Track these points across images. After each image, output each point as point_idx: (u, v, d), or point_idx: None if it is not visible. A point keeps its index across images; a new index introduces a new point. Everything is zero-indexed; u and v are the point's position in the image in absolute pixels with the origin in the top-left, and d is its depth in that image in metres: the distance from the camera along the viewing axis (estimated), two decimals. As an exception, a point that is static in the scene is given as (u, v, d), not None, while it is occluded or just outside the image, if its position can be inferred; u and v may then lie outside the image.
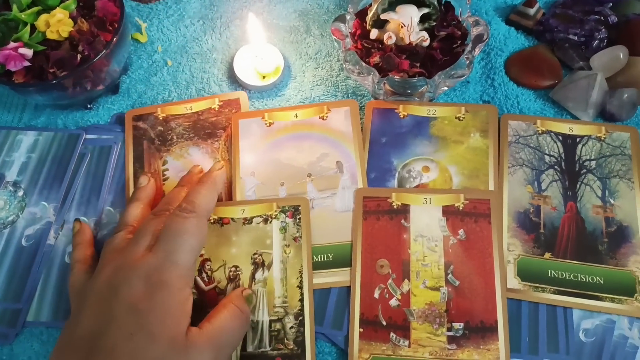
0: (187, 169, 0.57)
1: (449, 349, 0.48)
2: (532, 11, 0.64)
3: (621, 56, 0.58)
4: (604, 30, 0.61)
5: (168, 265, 0.44)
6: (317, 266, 0.52)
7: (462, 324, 0.49)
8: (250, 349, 0.49)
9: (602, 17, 0.61)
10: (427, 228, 0.52)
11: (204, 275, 0.52)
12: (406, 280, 0.51)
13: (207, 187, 0.51)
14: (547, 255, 0.51)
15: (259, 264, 0.52)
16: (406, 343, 0.48)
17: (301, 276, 0.51)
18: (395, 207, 0.54)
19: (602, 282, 0.50)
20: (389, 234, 0.53)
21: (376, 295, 0.50)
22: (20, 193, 0.58)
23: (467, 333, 0.48)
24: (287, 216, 0.54)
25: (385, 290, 0.51)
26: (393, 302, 0.50)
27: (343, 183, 0.55)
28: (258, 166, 0.57)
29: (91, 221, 0.57)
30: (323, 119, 0.59)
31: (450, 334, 0.48)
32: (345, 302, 0.51)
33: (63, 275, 0.54)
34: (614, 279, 0.50)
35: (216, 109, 0.61)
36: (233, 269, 0.52)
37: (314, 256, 0.52)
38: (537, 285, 0.50)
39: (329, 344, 0.50)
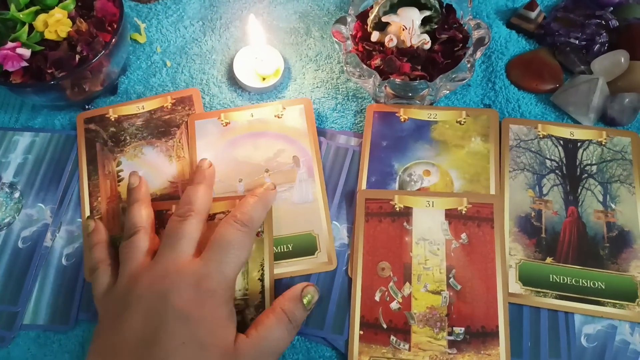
0: (142, 169, 0.57)
1: (449, 353, 0.48)
2: (533, 15, 0.63)
3: (622, 61, 0.58)
4: (605, 34, 0.61)
5: (217, 275, 0.44)
6: (277, 257, 0.53)
7: (463, 329, 0.48)
8: None
9: (603, 21, 0.61)
10: (429, 231, 0.52)
11: None
12: (407, 284, 0.50)
13: (262, 203, 0.51)
14: (549, 260, 0.51)
15: None
16: (406, 346, 0.48)
17: (262, 269, 0.51)
18: (397, 209, 0.53)
19: (603, 287, 0.49)
20: (390, 236, 0.52)
21: (377, 298, 0.50)
22: (17, 194, 0.58)
23: (467, 338, 0.48)
24: None
25: (386, 293, 0.50)
26: (394, 305, 0.50)
27: (300, 176, 0.56)
28: (216, 164, 0.57)
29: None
30: (278, 117, 0.60)
31: (451, 338, 0.48)
32: (346, 306, 0.50)
33: (60, 278, 0.53)
34: (615, 284, 0.50)
35: (169, 107, 0.61)
36: None
37: (274, 247, 0.53)
38: (539, 290, 0.50)
39: (330, 348, 0.50)
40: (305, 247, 0.53)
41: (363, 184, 0.55)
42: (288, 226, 0.54)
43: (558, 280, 0.50)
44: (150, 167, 0.58)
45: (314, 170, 0.57)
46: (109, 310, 0.46)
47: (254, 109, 0.60)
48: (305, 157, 0.57)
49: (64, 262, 0.54)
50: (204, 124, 0.60)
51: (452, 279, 0.50)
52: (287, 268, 0.52)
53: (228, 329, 0.44)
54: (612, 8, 0.62)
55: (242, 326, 0.46)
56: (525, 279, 0.50)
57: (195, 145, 0.59)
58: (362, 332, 0.49)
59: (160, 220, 0.54)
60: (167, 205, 0.55)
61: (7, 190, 0.58)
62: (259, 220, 0.50)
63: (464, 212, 0.53)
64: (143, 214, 0.51)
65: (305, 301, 0.47)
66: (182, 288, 0.43)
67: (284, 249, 0.53)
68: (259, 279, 0.51)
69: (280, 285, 0.52)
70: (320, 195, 0.55)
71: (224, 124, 0.60)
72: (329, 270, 0.52)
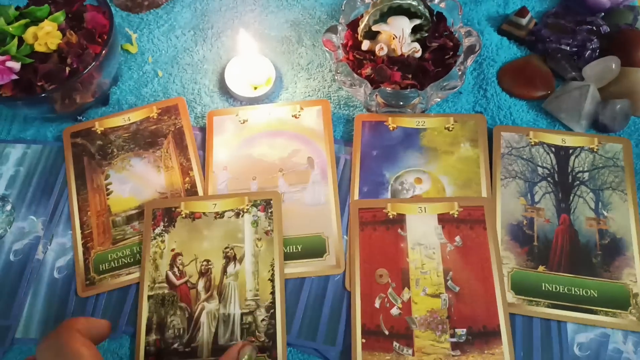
0: (130, 181, 0.58)
1: (453, 356, 0.47)
2: (524, 21, 0.63)
3: (613, 66, 0.58)
4: (596, 40, 0.60)
5: None
6: (286, 257, 0.53)
7: (464, 330, 0.48)
8: (222, 342, 0.49)
9: (594, 27, 0.61)
10: (423, 236, 0.52)
11: (175, 269, 0.53)
12: (406, 289, 0.50)
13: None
14: (541, 268, 0.51)
15: (230, 258, 0.53)
16: (410, 351, 0.48)
17: (273, 269, 0.52)
18: (391, 217, 0.53)
19: (596, 295, 0.49)
20: (386, 243, 0.52)
21: (377, 305, 0.50)
22: (9, 207, 0.58)
23: (470, 339, 0.48)
24: (259, 210, 0.54)
25: (386, 299, 0.50)
26: (394, 311, 0.50)
27: (313, 178, 0.56)
28: (231, 161, 0.58)
29: (80, 236, 0.56)
30: (296, 117, 0.60)
31: (454, 340, 0.48)
32: (338, 317, 0.50)
33: (52, 291, 0.53)
34: (608, 292, 0.49)
35: (155, 117, 0.61)
36: (205, 263, 0.53)
37: (284, 247, 0.53)
38: (531, 298, 0.50)
39: (322, 360, 0.50)
40: (315, 249, 0.53)
41: (355, 194, 0.55)
42: (298, 227, 0.54)
43: (550, 289, 0.50)
44: (138, 179, 0.58)
45: (327, 172, 0.57)
46: None
47: (272, 108, 0.61)
48: (319, 158, 0.57)
49: (55, 274, 0.54)
50: (222, 120, 0.60)
51: (450, 281, 0.50)
52: (295, 269, 0.53)
53: None
54: (603, 14, 0.62)
55: (253, 327, 0.48)
56: (518, 288, 0.50)
57: (212, 140, 0.59)
58: (364, 340, 0.49)
59: (170, 217, 0.55)
60: (175, 202, 0.56)
61: (-2, 202, 0.58)
62: None
63: (455, 215, 0.53)
64: None
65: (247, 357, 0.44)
66: None
67: (293, 250, 0.53)
68: (269, 279, 0.51)
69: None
70: (332, 198, 0.55)
71: (242, 122, 0.60)
72: (336, 274, 0.52)
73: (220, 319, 0.50)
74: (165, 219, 0.55)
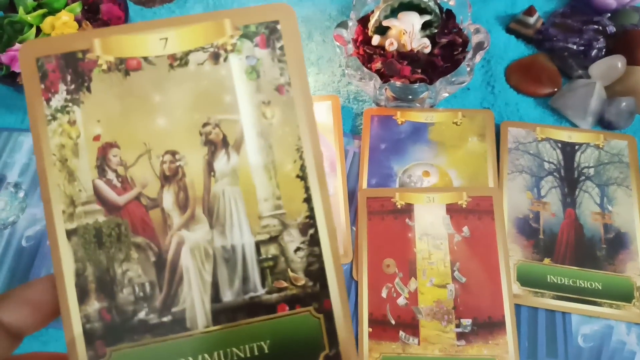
0: None
1: (458, 345, 0.48)
2: (531, 20, 0.64)
3: (619, 65, 0.59)
4: (602, 39, 0.61)
5: None
6: None
7: (470, 320, 0.49)
8: (227, 296, 0.28)
9: (600, 27, 0.62)
10: (431, 226, 0.53)
11: (111, 175, 0.29)
12: (413, 279, 0.51)
13: None
14: (547, 260, 0.52)
15: (217, 143, 0.29)
16: (415, 341, 0.49)
17: (302, 157, 0.28)
18: (399, 206, 0.54)
19: (600, 288, 0.50)
20: (393, 233, 0.53)
21: (384, 295, 0.51)
22: (21, 194, 0.58)
23: (475, 329, 0.49)
24: (256, 45, 0.29)
25: (393, 289, 0.51)
26: (401, 301, 0.50)
27: None
28: None
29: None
30: None
31: (459, 330, 0.49)
32: (345, 306, 0.51)
33: (63, 276, 0.54)
34: (612, 284, 0.50)
35: None
36: (168, 157, 0.29)
37: None
38: (537, 290, 0.50)
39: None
40: None
41: (364, 187, 0.56)
42: None
43: (555, 281, 0.51)
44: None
45: (336, 165, 0.57)
46: None
47: None
48: (329, 152, 0.58)
49: (67, 260, 0.55)
50: None
51: (456, 272, 0.51)
52: None
53: None
54: (609, 14, 0.63)
55: (282, 265, 0.28)
56: (524, 280, 0.51)
57: None
58: (371, 330, 0.49)
59: (76, 73, 0.29)
60: (83, 40, 0.29)
61: (11, 189, 0.59)
62: None
63: (464, 205, 0.53)
64: None
65: None
66: None
67: None
68: (297, 175, 0.28)
69: None
70: (341, 190, 0.56)
71: None
72: (344, 264, 0.53)
73: (218, 257, 0.29)
74: (68, 77, 0.29)
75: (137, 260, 0.28)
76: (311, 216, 0.29)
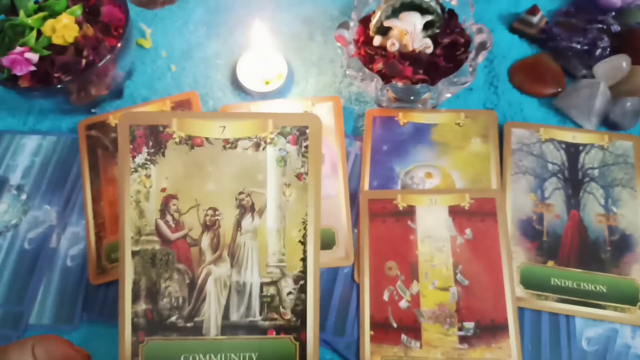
0: None
1: (460, 349, 0.48)
2: (535, 19, 0.64)
3: (624, 65, 0.58)
4: (606, 39, 0.61)
5: None
6: None
7: (472, 324, 0.49)
8: (234, 317, 0.39)
9: (604, 26, 0.61)
10: (433, 229, 0.52)
11: (169, 218, 0.40)
12: (415, 282, 0.51)
13: None
14: (550, 263, 0.51)
15: (246, 208, 0.40)
16: (417, 344, 0.48)
17: (305, 228, 0.40)
18: (401, 208, 0.54)
19: (605, 291, 0.49)
20: (395, 235, 0.53)
21: (385, 298, 0.50)
22: (24, 196, 0.58)
23: (478, 332, 0.48)
24: (288, 142, 0.41)
25: (395, 292, 0.51)
26: (403, 304, 0.50)
27: (324, 171, 0.56)
28: None
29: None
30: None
31: (462, 333, 0.48)
32: (347, 308, 0.51)
33: (64, 278, 0.54)
34: (617, 287, 0.49)
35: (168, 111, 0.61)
36: (210, 212, 0.40)
37: None
38: (540, 293, 0.50)
39: (330, 351, 0.50)
40: (324, 241, 0.52)
41: (365, 188, 0.56)
42: None
43: (559, 284, 0.50)
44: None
45: (338, 166, 0.57)
46: None
47: (285, 103, 0.61)
48: (330, 153, 0.58)
49: (68, 263, 0.55)
50: None
51: (459, 275, 0.50)
52: None
53: None
54: (613, 13, 0.63)
55: (276, 302, 0.37)
56: (527, 282, 0.50)
57: None
58: (372, 333, 0.49)
59: (157, 140, 0.42)
60: (164, 118, 0.42)
61: (14, 192, 0.59)
62: None
63: (467, 208, 0.53)
64: None
65: None
66: None
67: None
68: (299, 240, 0.40)
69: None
70: (343, 192, 0.55)
71: None
72: (346, 266, 0.52)
73: (232, 288, 0.40)
74: (150, 143, 0.40)
75: (177, 281, 0.40)
76: (304, 271, 0.40)
